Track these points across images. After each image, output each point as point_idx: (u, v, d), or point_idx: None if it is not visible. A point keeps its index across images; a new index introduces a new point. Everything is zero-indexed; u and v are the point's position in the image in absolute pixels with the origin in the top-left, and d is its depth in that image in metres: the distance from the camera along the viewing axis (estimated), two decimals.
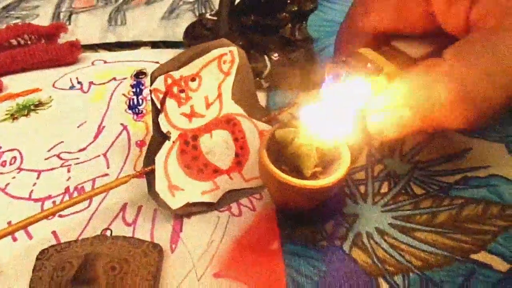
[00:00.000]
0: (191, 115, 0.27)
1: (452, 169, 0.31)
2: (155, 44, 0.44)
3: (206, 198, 0.27)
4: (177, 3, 0.51)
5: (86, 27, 0.46)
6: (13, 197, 0.28)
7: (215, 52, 0.27)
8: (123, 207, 0.27)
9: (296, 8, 0.35)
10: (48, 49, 0.39)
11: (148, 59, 0.41)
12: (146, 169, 0.26)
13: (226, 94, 0.28)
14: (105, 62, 0.40)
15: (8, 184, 0.28)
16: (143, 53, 0.42)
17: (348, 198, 0.29)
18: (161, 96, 0.26)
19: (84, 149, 0.31)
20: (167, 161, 0.27)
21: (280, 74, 0.36)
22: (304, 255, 0.26)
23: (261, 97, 0.37)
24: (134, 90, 0.37)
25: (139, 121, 0.34)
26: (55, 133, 0.32)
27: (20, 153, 0.31)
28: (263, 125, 0.29)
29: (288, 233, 0.27)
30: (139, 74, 0.39)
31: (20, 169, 0.29)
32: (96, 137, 0.32)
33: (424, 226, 0.27)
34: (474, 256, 0.25)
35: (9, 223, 0.26)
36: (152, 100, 0.26)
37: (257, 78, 0.36)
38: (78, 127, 0.33)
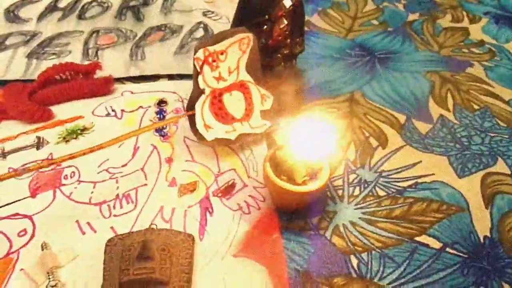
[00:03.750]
0: (219, 78, 0.40)
1: (406, 176, 0.41)
2: (171, 76, 0.53)
3: (228, 136, 0.41)
4: (186, 40, 0.61)
5: (112, 62, 0.55)
6: (77, 202, 0.36)
7: (238, 36, 0.40)
8: (161, 209, 0.36)
9: (287, 51, 0.45)
10: (88, 83, 0.48)
11: (167, 90, 0.50)
12: (190, 112, 0.40)
13: (242, 66, 0.41)
14: (132, 93, 0.50)
15: (72, 192, 0.37)
16: (162, 85, 0.51)
17: (329, 199, 0.39)
18: (200, 63, 0.39)
19: (125, 165, 0.40)
20: (203, 108, 0.40)
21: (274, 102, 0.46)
22: (297, 240, 0.35)
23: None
24: (158, 116, 0.46)
25: (165, 142, 0.43)
26: (101, 153, 0.41)
27: (77, 169, 0.39)
28: (264, 90, 0.43)
29: (285, 225, 0.36)
30: (161, 103, 0.48)
31: (79, 181, 0.38)
32: (133, 155, 0.41)
33: (384, 219, 0.37)
34: (417, 238, 0.35)
35: (76, 221, 0.35)
36: (194, 65, 0.39)
37: None
38: (118, 147, 0.42)
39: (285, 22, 0.43)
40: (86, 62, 0.55)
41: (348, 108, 0.49)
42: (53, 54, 0.56)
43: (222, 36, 0.39)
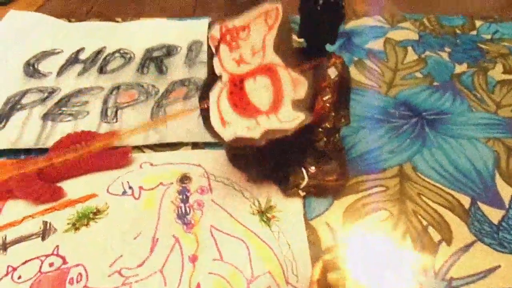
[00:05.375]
0: (240, 61, 0.32)
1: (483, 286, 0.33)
2: (195, 143, 0.48)
3: (250, 133, 0.32)
4: None
5: (131, 125, 0.50)
6: None
7: (264, 7, 0.31)
8: None
9: (330, 126, 0.39)
10: (103, 156, 0.43)
11: (191, 162, 0.44)
12: (204, 105, 0.31)
13: (269, 45, 0.32)
14: (151, 164, 0.44)
15: None
16: (185, 155, 0.46)
17: None
18: (216, 42, 0.31)
19: (141, 264, 0.34)
20: (220, 98, 0.32)
21: (316, 185, 0.39)
22: None
23: (298, 203, 0.40)
24: (180, 196, 0.40)
25: (189, 232, 0.37)
26: (114, 246, 0.35)
27: (85, 269, 0.34)
28: (296, 74, 0.33)
29: None
30: (184, 180, 0.42)
31: (86, 287, 0.32)
32: (151, 250, 0.35)
33: None
34: None
35: None
36: (208, 45, 0.31)
37: (295, 188, 0.40)
38: (134, 238, 0.36)
39: (329, 94, 0.38)
40: (104, 125, 0.51)
41: (398, 186, 0.43)
42: (70, 115, 0.52)
43: (244, 6, 0.31)
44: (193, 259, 0.35)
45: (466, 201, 0.41)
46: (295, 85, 0.33)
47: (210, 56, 0.32)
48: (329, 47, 0.37)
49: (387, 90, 0.58)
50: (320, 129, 0.39)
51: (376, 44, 0.70)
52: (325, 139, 0.39)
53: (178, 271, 0.34)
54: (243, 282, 0.33)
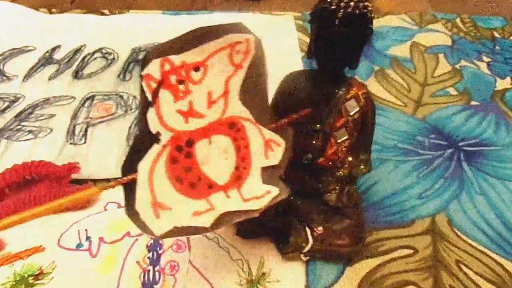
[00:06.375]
0: (188, 113, 0.22)
1: None
2: None
3: (198, 221, 0.22)
4: None
5: (102, 149, 0.41)
6: None
7: (229, 38, 0.22)
8: None
9: (345, 173, 0.30)
10: (57, 196, 0.34)
11: None
12: (125, 178, 0.21)
13: (234, 92, 0.23)
14: (119, 206, 0.35)
15: None
16: None
17: None
18: (154, 85, 0.21)
19: None
20: (154, 170, 0.22)
21: (323, 250, 0.30)
22: None
23: (299, 269, 0.31)
24: (150, 254, 0.32)
25: None
26: None
27: None
28: (271, 134, 0.24)
29: None
30: None
31: None
32: None
33: None
34: None
35: None
36: (142, 89, 0.21)
37: (297, 252, 0.30)
38: None
39: (346, 135, 0.28)
40: (69, 146, 0.42)
41: (430, 248, 0.33)
42: (30, 132, 0.43)
43: (199, 37, 0.21)
44: None
45: None
46: (268, 147, 0.24)
47: (144, 106, 0.21)
48: (350, 71, 0.28)
49: (414, 110, 0.48)
50: (331, 178, 0.30)
51: (401, 50, 0.59)
52: (337, 190, 0.30)
53: None
54: None
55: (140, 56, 0.56)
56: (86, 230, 0.33)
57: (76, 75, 0.52)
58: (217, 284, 0.30)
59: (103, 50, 0.57)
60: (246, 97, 0.23)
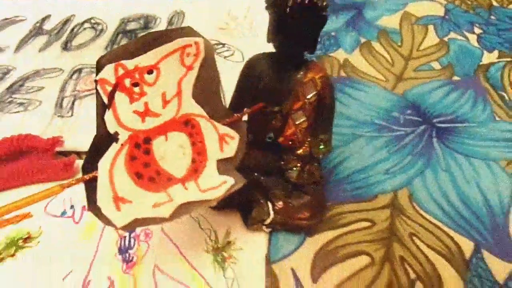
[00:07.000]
0: (144, 113, 0.24)
1: None
2: None
3: (158, 212, 0.24)
4: None
5: (88, 122, 0.43)
6: None
7: (179, 42, 0.24)
8: None
9: (305, 152, 0.31)
10: (42, 168, 0.37)
11: None
12: (86, 176, 0.23)
13: (187, 92, 0.25)
14: None
15: None
16: None
17: None
18: (109, 88, 0.23)
19: None
20: (113, 167, 0.23)
21: (283, 222, 0.33)
22: None
23: (261, 239, 0.34)
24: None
25: (127, 273, 0.31)
26: (39, 287, 0.30)
27: None
28: (225, 128, 0.26)
29: None
30: None
31: None
32: None
33: None
34: None
35: None
36: (97, 93, 0.23)
37: (259, 224, 0.33)
38: (63, 279, 0.31)
39: (303, 117, 0.29)
40: (57, 119, 0.44)
41: (388, 221, 0.35)
42: (20, 104, 0.46)
43: (150, 42, 0.23)
44: None
45: (468, 247, 0.33)
46: (222, 141, 0.25)
47: (101, 108, 0.23)
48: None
49: (394, 84, 0.49)
50: (293, 157, 0.32)
51: (391, 21, 0.58)
52: (298, 168, 0.32)
53: None
54: None
55: (128, 27, 0.57)
56: (70, 199, 0.36)
57: (65, 46, 0.54)
58: (186, 250, 0.33)
59: (92, 20, 0.58)
60: (199, 96, 0.25)
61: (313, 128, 0.31)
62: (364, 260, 0.33)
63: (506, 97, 0.47)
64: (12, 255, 0.33)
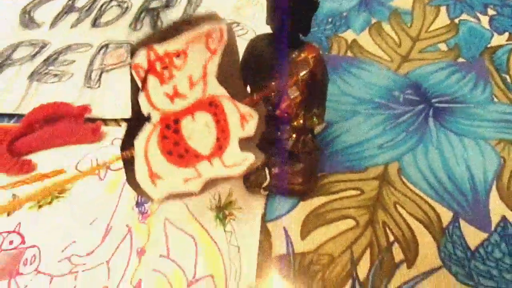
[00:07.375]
0: (173, 95, 0.26)
1: None
2: None
3: (188, 187, 0.27)
4: None
5: (113, 93, 0.48)
6: None
7: (205, 27, 0.25)
8: None
9: (300, 124, 0.35)
10: (74, 131, 0.42)
11: None
12: (124, 154, 0.25)
13: (211, 75, 0.27)
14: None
15: (27, 286, 0.33)
16: None
17: None
18: (142, 73, 0.24)
19: (91, 253, 0.35)
20: (148, 146, 0.25)
21: (279, 186, 0.37)
22: None
23: (259, 201, 0.38)
24: None
25: (143, 222, 0.37)
26: (70, 229, 0.36)
27: (39, 251, 0.35)
28: (245, 107, 0.29)
29: None
30: None
31: (37, 271, 0.34)
32: (103, 239, 0.36)
33: None
34: None
35: None
36: (131, 76, 0.24)
37: (257, 187, 0.37)
38: (90, 224, 0.37)
39: (297, 92, 0.33)
40: (86, 90, 0.49)
41: (375, 191, 0.39)
42: (55, 75, 0.51)
43: (178, 28, 0.24)
44: (141, 253, 0.35)
45: (447, 216, 0.37)
46: (243, 120, 0.28)
47: (135, 91, 0.25)
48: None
49: (398, 65, 0.51)
50: (288, 128, 0.35)
51: (405, 1, 0.60)
52: (294, 138, 0.36)
53: (124, 265, 0.34)
54: (183, 283, 0.33)
55: (152, 5, 0.61)
56: (97, 159, 0.42)
57: (94, 23, 0.59)
58: (192, 206, 0.38)
59: None
60: (222, 78, 0.27)
61: (307, 102, 0.34)
62: (349, 223, 0.37)
63: (509, 79, 0.48)
64: (49, 203, 0.39)
